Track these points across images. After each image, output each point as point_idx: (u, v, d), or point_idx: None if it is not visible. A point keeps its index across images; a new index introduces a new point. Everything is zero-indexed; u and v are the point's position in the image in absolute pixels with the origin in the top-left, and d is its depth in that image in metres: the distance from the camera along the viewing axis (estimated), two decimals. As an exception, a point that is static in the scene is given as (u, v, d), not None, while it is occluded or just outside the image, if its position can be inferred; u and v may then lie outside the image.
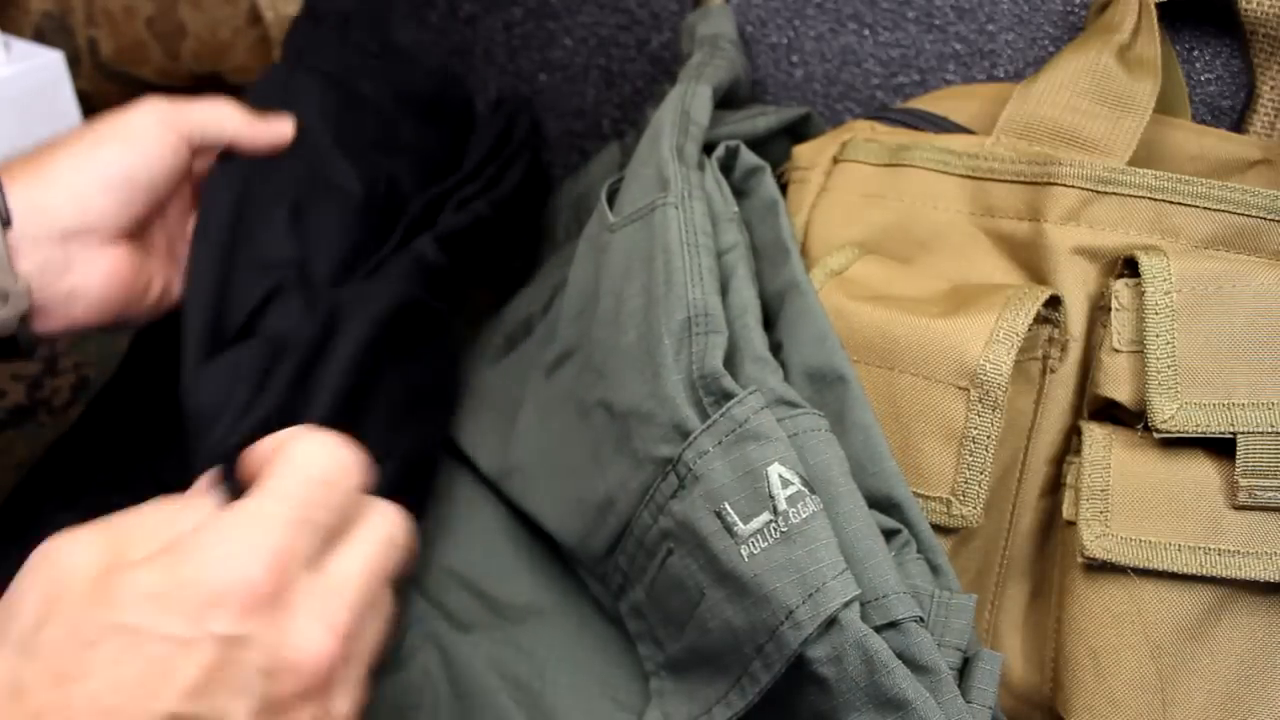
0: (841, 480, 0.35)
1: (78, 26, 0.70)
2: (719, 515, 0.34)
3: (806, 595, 0.32)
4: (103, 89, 0.73)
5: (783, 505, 0.33)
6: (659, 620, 0.38)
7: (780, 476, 0.33)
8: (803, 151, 0.51)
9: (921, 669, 0.32)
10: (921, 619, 0.33)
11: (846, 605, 0.32)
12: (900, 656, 0.32)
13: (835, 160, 0.49)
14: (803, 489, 0.33)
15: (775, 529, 0.33)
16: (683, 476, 0.36)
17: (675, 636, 0.37)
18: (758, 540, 0.33)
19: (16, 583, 0.27)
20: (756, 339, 0.39)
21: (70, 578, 0.26)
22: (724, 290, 0.41)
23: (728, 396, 0.36)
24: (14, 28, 0.71)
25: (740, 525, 0.33)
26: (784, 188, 0.51)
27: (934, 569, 0.36)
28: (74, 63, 0.70)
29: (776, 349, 0.42)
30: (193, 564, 0.27)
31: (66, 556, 0.27)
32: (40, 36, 0.71)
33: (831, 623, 0.32)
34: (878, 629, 0.32)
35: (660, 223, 0.41)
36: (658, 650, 0.38)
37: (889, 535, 0.36)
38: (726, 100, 0.53)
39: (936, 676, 0.32)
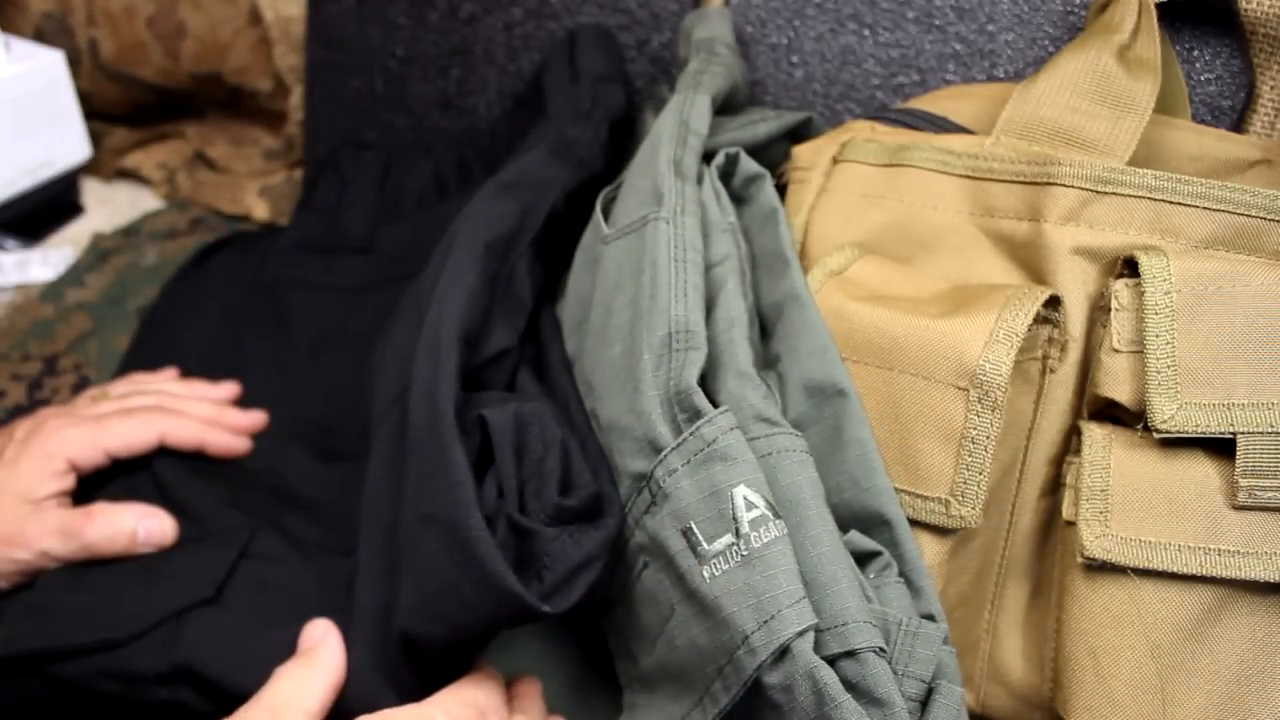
0: (812, 503, 0.35)
1: (78, 26, 0.70)
2: (685, 534, 0.34)
3: (762, 622, 0.31)
4: (103, 89, 0.73)
5: (745, 528, 0.33)
6: (633, 633, 0.38)
7: (745, 499, 0.33)
8: (802, 152, 0.50)
9: (875, 701, 0.31)
10: (882, 649, 0.32)
11: (800, 635, 0.31)
12: (855, 687, 0.31)
13: (835, 160, 0.49)
14: (766, 513, 0.33)
15: (736, 552, 0.32)
16: (655, 493, 0.36)
17: (648, 651, 0.36)
18: (720, 562, 0.33)
19: None
20: (742, 354, 0.39)
21: None
22: (712, 304, 0.41)
23: (699, 415, 0.36)
24: (14, 28, 0.71)
25: (705, 545, 0.33)
26: (783, 188, 0.51)
27: (915, 590, 0.35)
28: (74, 63, 0.70)
29: (775, 361, 0.42)
30: None
31: None
32: (40, 36, 0.71)
33: (785, 651, 0.31)
34: (835, 657, 0.32)
35: (651, 237, 0.41)
36: (632, 665, 0.38)
37: (869, 557, 0.36)
38: (725, 105, 0.53)
39: (890, 710, 0.31)
